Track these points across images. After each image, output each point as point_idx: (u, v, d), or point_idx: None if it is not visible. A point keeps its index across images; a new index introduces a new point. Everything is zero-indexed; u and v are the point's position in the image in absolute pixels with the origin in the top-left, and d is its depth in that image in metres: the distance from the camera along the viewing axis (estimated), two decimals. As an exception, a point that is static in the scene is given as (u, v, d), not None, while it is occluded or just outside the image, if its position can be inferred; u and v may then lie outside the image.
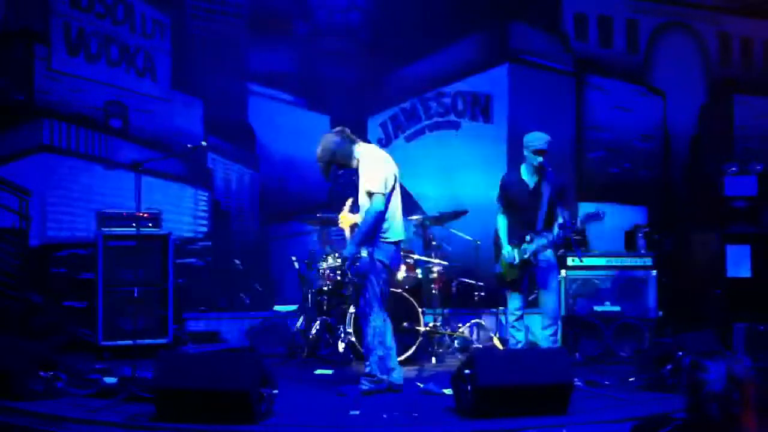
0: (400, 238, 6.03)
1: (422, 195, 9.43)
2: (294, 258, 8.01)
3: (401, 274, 7.52)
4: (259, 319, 8.35)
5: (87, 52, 8.92)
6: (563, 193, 6.61)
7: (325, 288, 7.68)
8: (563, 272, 7.72)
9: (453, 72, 9.97)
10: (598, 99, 10.34)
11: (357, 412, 5.32)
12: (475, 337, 8.19)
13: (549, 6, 10.27)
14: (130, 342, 6.65)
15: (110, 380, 5.82)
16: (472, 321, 8.21)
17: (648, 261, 7.99)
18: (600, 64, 10.41)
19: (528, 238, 6.49)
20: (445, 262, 8.01)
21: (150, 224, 7.69)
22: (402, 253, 6.64)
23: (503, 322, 7.26)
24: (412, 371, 6.89)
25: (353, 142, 6.04)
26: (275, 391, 5.18)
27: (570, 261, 7.81)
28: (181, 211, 9.15)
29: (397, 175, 6.04)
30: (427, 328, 7.56)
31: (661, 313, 7.93)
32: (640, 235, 8.34)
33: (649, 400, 5.63)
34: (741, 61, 10.75)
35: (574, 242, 6.89)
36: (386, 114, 9.87)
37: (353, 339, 7.20)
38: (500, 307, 7.70)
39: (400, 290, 7.36)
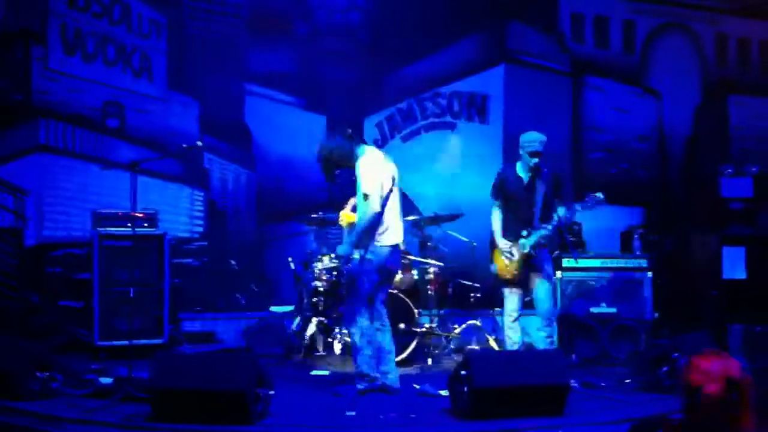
0: (398, 242, 6.03)
1: (418, 195, 9.41)
2: (290, 258, 8.00)
3: (397, 275, 7.51)
4: (255, 319, 8.34)
5: (84, 52, 8.92)
6: (559, 186, 6.60)
7: (322, 288, 7.67)
8: (559, 273, 7.72)
9: (450, 72, 9.97)
10: (595, 100, 10.34)
11: (353, 413, 5.33)
12: (471, 338, 8.18)
13: (546, 6, 10.27)
14: (125, 342, 6.65)
15: (106, 380, 5.82)
16: (469, 322, 8.20)
17: (644, 262, 8.00)
18: (597, 64, 10.41)
19: (525, 233, 6.48)
20: (441, 263, 8.01)
21: (146, 224, 7.69)
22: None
23: (499, 323, 7.25)
24: (408, 372, 6.88)
25: (356, 144, 6.04)
26: (271, 392, 5.18)
27: (566, 262, 7.80)
28: (178, 211, 9.14)
29: (396, 178, 6.05)
30: (424, 329, 7.56)
31: (657, 314, 7.94)
32: (636, 236, 8.36)
33: (645, 401, 5.64)
34: (738, 62, 10.76)
35: (570, 243, 6.89)
36: (382, 114, 9.87)
37: (349, 339, 7.19)
38: (496, 308, 7.69)
39: (396, 291, 7.36)
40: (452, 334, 7.95)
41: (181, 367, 5.15)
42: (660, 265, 8.20)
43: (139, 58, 9.19)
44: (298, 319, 7.86)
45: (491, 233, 6.77)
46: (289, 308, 8.43)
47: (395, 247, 6.00)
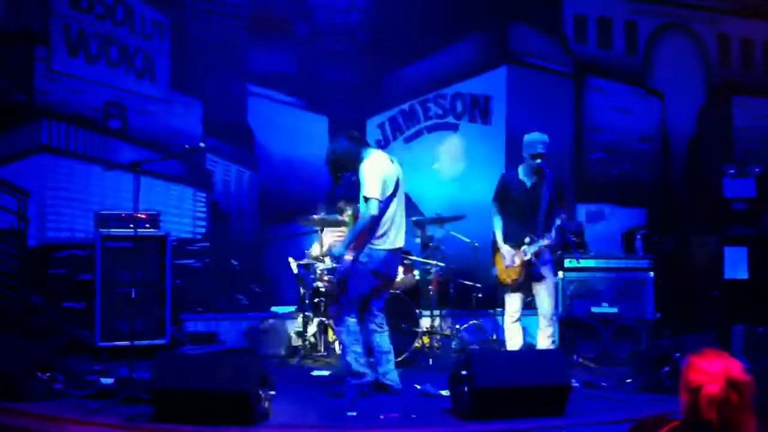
0: (398, 246, 6.03)
1: (420, 196, 9.41)
2: (292, 259, 8.01)
3: (398, 275, 7.51)
4: (257, 320, 8.35)
5: (87, 53, 8.93)
6: (562, 191, 6.60)
7: (323, 289, 7.68)
8: (561, 274, 7.72)
9: (452, 73, 9.96)
10: (597, 100, 10.33)
11: (354, 413, 5.33)
12: (472, 338, 8.19)
13: (549, 7, 10.26)
14: (127, 343, 6.65)
15: (108, 381, 5.82)
16: (470, 322, 8.21)
17: (645, 263, 7.99)
18: (600, 65, 10.40)
19: (527, 240, 6.48)
20: (443, 264, 8.01)
21: (148, 225, 7.70)
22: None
23: (501, 323, 7.25)
24: (409, 372, 6.88)
25: (363, 146, 6.05)
26: (273, 392, 5.18)
27: (567, 262, 7.79)
28: (180, 212, 9.14)
29: (401, 181, 6.05)
30: (425, 329, 7.56)
31: (659, 314, 7.93)
32: (638, 236, 8.35)
33: (646, 401, 5.64)
34: (740, 63, 10.74)
35: (573, 244, 6.89)
36: (385, 115, 9.87)
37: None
38: (498, 309, 7.70)
39: (397, 291, 7.36)
40: (453, 334, 7.95)
41: (184, 367, 5.16)
42: (662, 266, 8.19)
43: (142, 59, 9.20)
44: (299, 320, 7.86)
45: (493, 235, 6.76)
46: (291, 309, 8.44)
47: (393, 251, 5.99)
